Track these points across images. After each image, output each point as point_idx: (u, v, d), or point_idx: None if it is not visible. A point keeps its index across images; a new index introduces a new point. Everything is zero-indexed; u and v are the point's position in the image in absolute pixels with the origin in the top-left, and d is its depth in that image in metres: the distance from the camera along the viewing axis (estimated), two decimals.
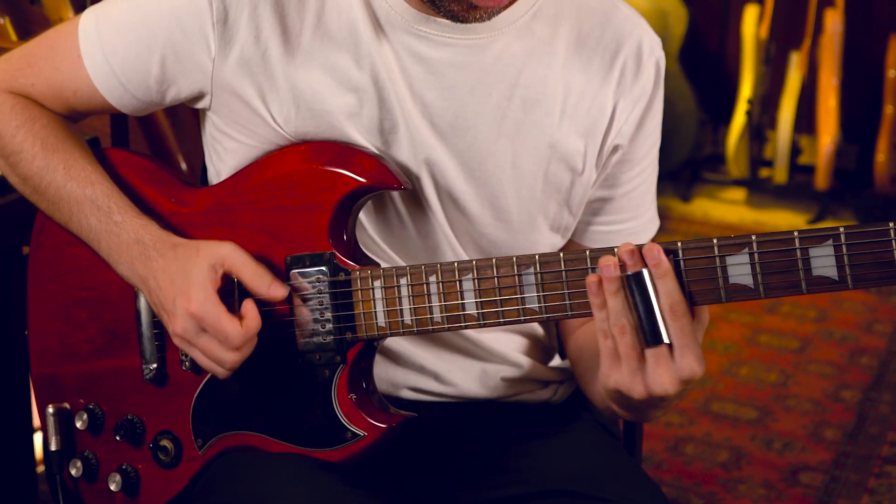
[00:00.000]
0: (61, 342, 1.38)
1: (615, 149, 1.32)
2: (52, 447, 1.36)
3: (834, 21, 3.80)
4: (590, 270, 1.12)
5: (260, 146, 1.28)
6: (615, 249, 1.10)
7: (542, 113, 1.28)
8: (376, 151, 1.26)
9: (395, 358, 1.33)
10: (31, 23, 1.88)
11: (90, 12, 1.32)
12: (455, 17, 1.19)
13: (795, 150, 3.92)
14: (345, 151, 1.23)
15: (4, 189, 1.49)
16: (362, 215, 1.27)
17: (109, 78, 1.29)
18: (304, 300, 1.22)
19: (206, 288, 1.19)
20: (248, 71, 1.24)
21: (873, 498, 2.43)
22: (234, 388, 1.26)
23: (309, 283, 1.22)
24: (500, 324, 1.17)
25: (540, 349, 1.42)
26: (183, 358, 1.28)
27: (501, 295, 1.16)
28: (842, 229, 1.05)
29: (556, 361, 1.44)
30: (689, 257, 1.09)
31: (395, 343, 1.32)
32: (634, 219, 1.38)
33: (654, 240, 1.40)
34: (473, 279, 1.17)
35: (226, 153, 1.31)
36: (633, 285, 1.08)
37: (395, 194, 1.27)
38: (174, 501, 1.31)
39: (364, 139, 1.25)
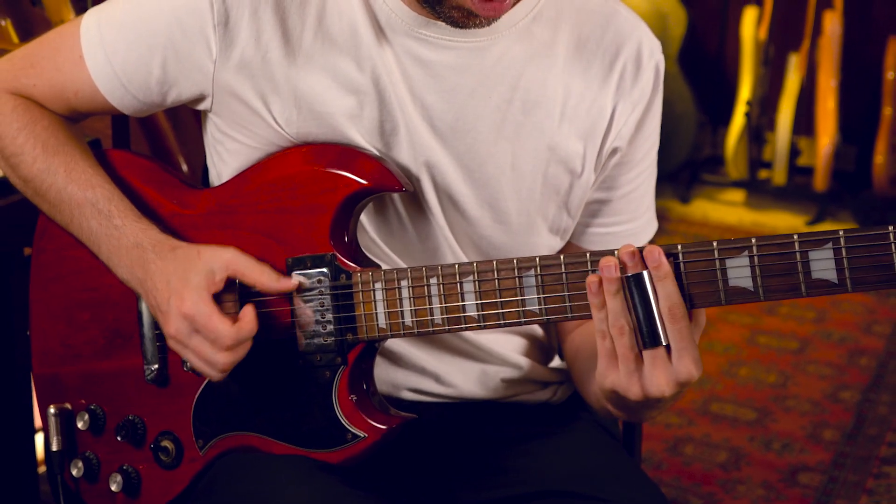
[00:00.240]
0: (63, 343, 1.38)
1: (614, 151, 1.32)
2: (54, 447, 1.37)
3: (833, 23, 3.80)
4: (590, 273, 1.13)
5: (262, 147, 1.28)
6: (616, 251, 1.11)
7: (542, 115, 1.28)
8: (377, 153, 1.26)
9: (395, 359, 1.33)
10: (32, 24, 1.88)
11: (92, 13, 1.32)
12: (455, 23, 1.20)
13: (794, 152, 3.92)
14: (346, 153, 1.24)
15: (6, 190, 1.49)
16: (363, 217, 1.27)
17: (111, 79, 1.29)
18: (306, 301, 1.22)
19: (200, 289, 1.19)
20: (250, 73, 1.25)
21: (872, 498, 2.44)
22: (234, 389, 1.27)
23: (310, 284, 1.22)
24: (500, 326, 1.17)
25: (540, 350, 1.42)
26: (184, 359, 1.28)
27: (502, 297, 1.16)
28: (841, 232, 1.05)
29: (556, 362, 1.44)
30: (688, 260, 1.09)
31: (396, 344, 1.32)
32: (632, 220, 1.38)
33: (652, 241, 1.41)
34: (474, 281, 1.17)
35: (228, 154, 1.31)
36: (632, 287, 1.09)
37: (396, 196, 1.28)
38: (175, 502, 1.31)
39: (365, 141, 1.26)
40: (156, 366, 1.30)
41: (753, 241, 1.07)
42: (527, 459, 1.32)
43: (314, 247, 1.22)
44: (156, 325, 1.30)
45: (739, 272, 1.08)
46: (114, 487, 1.33)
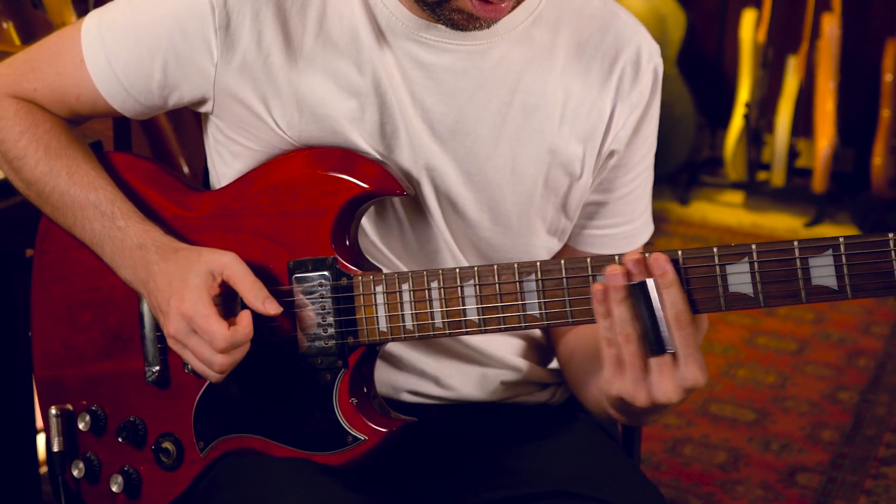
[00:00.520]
0: (65, 344, 1.38)
1: (612, 154, 1.33)
2: (55, 448, 1.37)
3: (831, 25, 3.81)
4: (591, 278, 1.13)
5: (264, 150, 1.28)
6: (621, 258, 1.11)
7: (542, 118, 1.28)
8: (378, 156, 1.26)
9: (395, 362, 1.33)
10: (34, 27, 1.89)
11: (93, 16, 1.32)
12: (455, 26, 1.20)
13: (793, 154, 3.92)
14: (348, 157, 1.24)
15: (8, 192, 1.50)
16: (364, 220, 1.28)
17: (112, 82, 1.29)
18: (307, 305, 1.23)
19: (200, 290, 1.19)
20: (251, 76, 1.25)
21: (870, 499, 2.44)
22: (235, 391, 1.27)
23: (311, 287, 1.23)
24: (500, 330, 1.17)
25: (538, 352, 1.43)
26: (185, 360, 1.29)
27: (503, 301, 1.16)
28: (841, 239, 1.05)
29: (555, 364, 1.44)
30: (689, 266, 1.09)
31: (396, 347, 1.32)
32: (629, 223, 1.39)
33: (650, 243, 1.41)
34: (475, 285, 1.17)
35: (230, 157, 1.32)
36: (638, 294, 1.08)
37: (396, 199, 1.28)
38: (175, 503, 1.31)
39: (366, 144, 1.26)
40: (157, 367, 1.30)
41: (754, 247, 1.07)
42: (526, 460, 1.33)
43: (315, 250, 1.23)
44: (157, 327, 1.30)
45: (740, 278, 1.08)
46: (114, 488, 1.33)
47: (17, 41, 1.90)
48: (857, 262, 1.04)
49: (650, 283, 1.08)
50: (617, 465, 1.34)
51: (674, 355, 1.09)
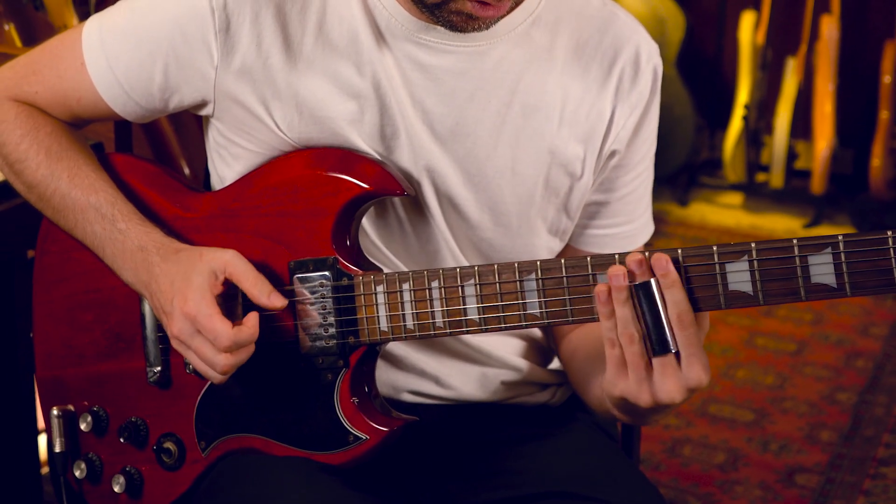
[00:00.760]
0: (66, 345, 1.38)
1: (612, 154, 1.33)
2: (57, 449, 1.37)
3: (830, 27, 3.81)
4: (591, 277, 1.13)
5: (264, 152, 1.29)
6: (624, 257, 1.11)
7: (542, 119, 1.29)
8: (379, 157, 1.27)
9: (396, 362, 1.34)
10: (35, 29, 1.89)
11: (94, 20, 1.32)
12: (454, 27, 1.21)
13: (792, 155, 3.93)
14: (348, 157, 1.24)
15: (9, 193, 1.50)
16: (364, 220, 1.28)
17: (113, 85, 1.30)
18: (308, 304, 1.23)
19: (203, 290, 1.19)
20: (251, 78, 1.25)
21: (868, 499, 2.45)
22: (237, 391, 1.27)
23: (312, 287, 1.23)
24: (501, 329, 1.18)
25: (539, 352, 1.43)
26: (186, 361, 1.29)
27: (503, 301, 1.17)
28: (840, 237, 1.05)
29: (555, 364, 1.44)
30: (688, 264, 1.09)
31: (397, 347, 1.33)
32: (630, 222, 1.39)
33: (649, 243, 1.42)
34: (475, 285, 1.17)
35: (230, 158, 1.32)
36: (640, 295, 1.09)
37: (396, 200, 1.28)
38: (177, 503, 1.32)
39: (366, 145, 1.26)
40: (158, 368, 1.31)
41: (753, 245, 1.08)
42: (526, 461, 1.33)
43: (316, 250, 1.23)
44: (158, 328, 1.31)
45: (739, 276, 1.08)
46: (116, 488, 1.33)
47: (18, 43, 1.90)
48: (856, 260, 1.05)
49: (653, 283, 1.09)
50: (616, 466, 1.35)
51: (677, 355, 1.09)
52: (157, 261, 1.24)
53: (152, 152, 1.98)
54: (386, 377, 1.33)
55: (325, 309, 1.23)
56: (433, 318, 1.19)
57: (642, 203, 1.40)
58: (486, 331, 1.18)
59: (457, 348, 1.35)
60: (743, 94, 3.94)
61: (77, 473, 1.37)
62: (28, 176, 1.34)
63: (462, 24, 1.20)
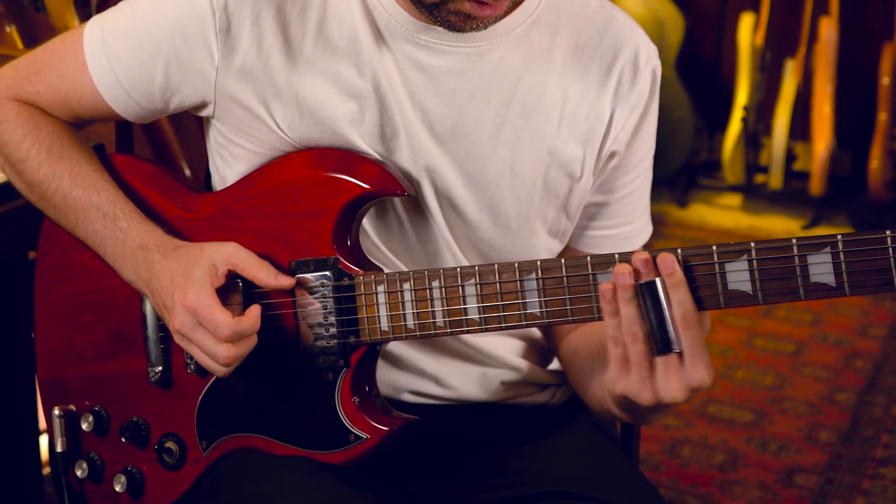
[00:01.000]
0: (67, 345, 1.39)
1: (612, 155, 1.33)
2: (58, 449, 1.37)
3: (828, 29, 3.82)
4: (591, 277, 1.14)
5: (264, 152, 1.29)
6: (621, 256, 1.11)
7: (541, 120, 1.29)
8: (379, 158, 1.27)
9: (396, 362, 1.34)
10: (36, 30, 1.90)
11: (95, 21, 1.32)
12: (452, 27, 1.21)
13: (790, 157, 3.93)
14: (349, 158, 1.25)
15: (10, 194, 1.50)
16: (365, 221, 1.28)
17: (114, 86, 1.30)
18: (309, 304, 1.24)
19: (203, 282, 1.20)
20: (251, 79, 1.26)
21: (867, 499, 2.45)
22: (238, 390, 1.27)
23: (313, 287, 1.23)
24: (501, 328, 1.18)
25: (539, 353, 1.43)
26: (188, 360, 1.29)
27: (503, 300, 1.17)
28: (839, 237, 1.06)
29: (555, 365, 1.45)
30: (688, 264, 1.10)
31: (397, 347, 1.33)
32: (629, 223, 1.39)
33: (648, 245, 1.42)
34: (476, 284, 1.18)
35: (231, 159, 1.32)
36: (645, 294, 1.09)
37: (397, 200, 1.29)
38: (178, 503, 1.32)
39: (366, 145, 1.27)
40: (159, 368, 1.31)
41: (752, 245, 1.08)
42: (525, 461, 1.33)
43: (317, 250, 1.23)
44: (160, 328, 1.31)
45: (739, 276, 1.08)
46: (118, 488, 1.34)
47: (19, 44, 1.91)
48: (855, 260, 1.05)
49: (658, 282, 1.09)
50: (616, 466, 1.35)
51: (680, 355, 1.09)
52: (158, 258, 1.25)
53: (153, 153, 1.98)
54: (386, 377, 1.34)
55: (326, 309, 1.23)
56: (434, 317, 1.19)
57: (641, 204, 1.40)
58: (487, 330, 1.18)
59: (457, 348, 1.35)
60: (742, 96, 3.94)
61: (78, 473, 1.37)
62: (30, 175, 1.34)
63: (460, 23, 1.20)
